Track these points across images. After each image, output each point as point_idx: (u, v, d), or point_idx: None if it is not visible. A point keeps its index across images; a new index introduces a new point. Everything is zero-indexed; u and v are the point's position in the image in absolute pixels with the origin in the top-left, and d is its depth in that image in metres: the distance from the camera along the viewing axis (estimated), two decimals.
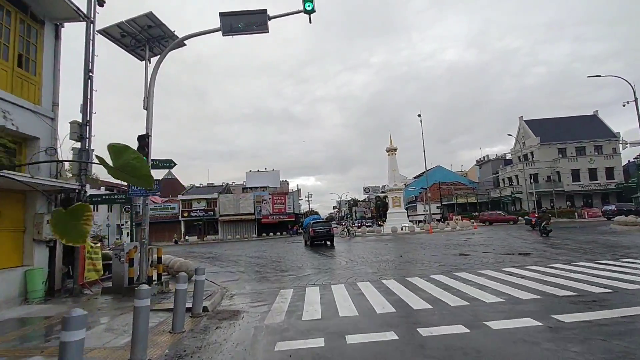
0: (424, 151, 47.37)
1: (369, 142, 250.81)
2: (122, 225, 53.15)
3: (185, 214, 51.86)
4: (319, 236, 24.67)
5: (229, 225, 53.00)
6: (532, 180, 53.06)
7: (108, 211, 56.51)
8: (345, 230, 33.40)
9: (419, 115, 49.98)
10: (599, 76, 25.53)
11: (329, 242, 24.91)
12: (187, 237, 50.26)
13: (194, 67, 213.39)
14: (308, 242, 25.41)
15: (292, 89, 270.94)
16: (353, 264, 13.27)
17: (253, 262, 16.83)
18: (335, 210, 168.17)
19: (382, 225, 41.68)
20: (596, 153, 53.58)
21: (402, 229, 31.98)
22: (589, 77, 25.60)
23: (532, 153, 56.11)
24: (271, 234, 52.50)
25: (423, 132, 44.13)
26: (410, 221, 37.44)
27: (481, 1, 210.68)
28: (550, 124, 57.33)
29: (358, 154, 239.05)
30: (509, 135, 59.55)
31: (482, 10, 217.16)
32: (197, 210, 52.05)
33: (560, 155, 53.89)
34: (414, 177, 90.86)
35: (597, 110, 58.89)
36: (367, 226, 44.51)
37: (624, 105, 26.24)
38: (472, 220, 38.98)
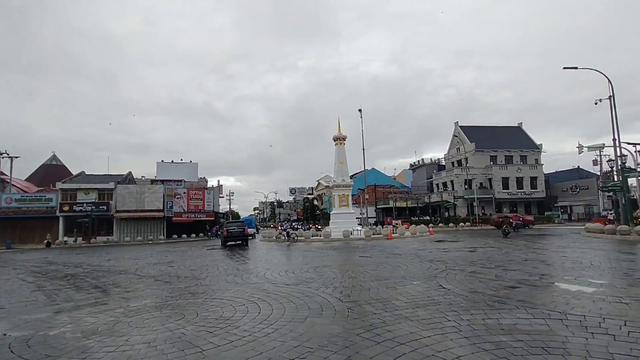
0: (364, 148, 43.03)
1: (293, 145, 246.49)
2: None
3: (66, 208, 39.76)
4: (233, 236, 25.76)
5: (128, 223, 42.21)
6: (466, 186, 52.50)
7: None
8: (283, 234, 26.65)
9: (360, 110, 45.85)
10: (576, 68, 23.17)
11: (243, 242, 25.79)
12: (65, 239, 38.35)
13: (101, 46, 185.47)
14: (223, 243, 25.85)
15: (216, 84, 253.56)
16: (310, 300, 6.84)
17: (146, 291, 9.35)
18: (257, 212, 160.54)
19: (320, 229, 35.96)
20: (522, 162, 55.30)
21: (355, 233, 26.44)
22: (565, 68, 23.09)
23: (466, 159, 55.86)
24: (184, 235, 43.14)
25: (363, 129, 39.50)
26: (359, 224, 32.19)
27: (404, 22, 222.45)
28: (483, 132, 57.96)
29: (281, 156, 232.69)
30: (415, 151, 58.84)
31: (405, 30, 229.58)
32: (83, 203, 40.29)
33: (492, 163, 54.41)
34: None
35: (521, 123, 61.55)
36: (304, 230, 38.30)
37: (595, 103, 24.32)
38: (430, 225, 35.38)
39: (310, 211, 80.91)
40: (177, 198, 44.37)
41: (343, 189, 30.64)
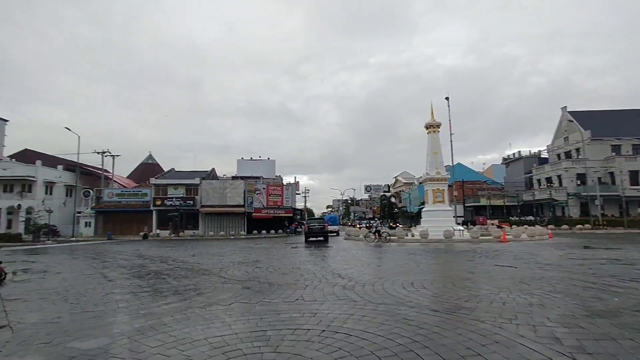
0: (451, 140, 38.33)
1: (364, 143, 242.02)
2: (79, 213, 42.88)
3: (159, 202, 41.83)
4: (314, 232, 27.45)
5: (212, 218, 43.13)
6: (578, 182, 44.22)
7: (67, 195, 46.24)
8: (373, 232, 23.78)
9: (447, 98, 41.10)
10: None
11: (322, 238, 27.38)
12: (158, 232, 40.25)
13: (188, 55, 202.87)
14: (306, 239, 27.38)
15: (289, 85, 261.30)
16: None
17: (241, 294, 7.22)
18: (330, 209, 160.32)
19: (397, 227, 32.39)
20: None
21: (457, 234, 22.55)
22: None
23: (577, 150, 47.16)
24: (264, 231, 42.77)
25: (450, 119, 34.98)
26: (458, 223, 28.00)
27: (482, 8, 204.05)
28: (600, 117, 48.52)
29: (352, 154, 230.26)
30: (510, 143, 50.65)
31: (483, 16, 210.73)
32: (173, 198, 42.05)
33: (614, 153, 45.07)
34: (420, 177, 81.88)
35: None
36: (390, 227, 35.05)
37: None
38: (548, 227, 29.81)
39: (388, 209, 76.82)
40: (257, 194, 44.15)
41: (438, 183, 26.71)
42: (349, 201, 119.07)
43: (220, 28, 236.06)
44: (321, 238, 27.48)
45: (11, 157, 47.36)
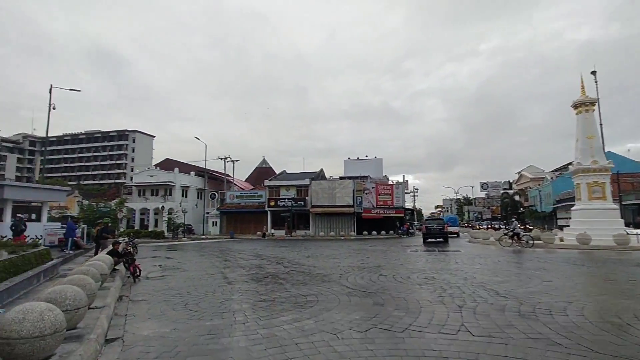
0: (601, 124, 30.59)
1: (475, 138, 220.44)
2: (208, 214, 47.77)
3: (272, 203, 43.79)
4: (432, 233, 26.12)
5: (322, 218, 43.32)
6: None
7: (198, 197, 52.22)
8: (510, 235, 19.92)
9: (594, 73, 33.35)
10: None
11: (441, 239, 25.96)
12: (273, 231, 42.08)
13: (294, 65, 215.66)
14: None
15: (392, 83, 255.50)
16: None
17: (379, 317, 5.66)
18: (440, 210, 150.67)
19: (530, 229, 26.74)
20: None
21: (636, 239, 17.28)
22: None
23: None
24: (374, 232, 41.12)
25: (599, 97, 27.76)
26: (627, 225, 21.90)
27: None
28: None
29: (462, 151, 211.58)
30: None
31: None
32: (285, 199, 43.54)
33: None
34: (554, 171, 69.53)
35: None
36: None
37: None
38: None
39: (511, 208, 67.40)
40: (366, 193, 42.76)
41: (595, 175, 21.12)
42: (462, 200, 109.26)
43: (322, 35, 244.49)
44: (440, 239, 26.10)
45: (156, 166, 55.50)
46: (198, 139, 43.73)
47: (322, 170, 52.76)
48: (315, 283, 8.95)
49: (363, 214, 42.13)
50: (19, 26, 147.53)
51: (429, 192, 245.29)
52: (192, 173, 52.89)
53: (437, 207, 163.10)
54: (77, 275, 5.82)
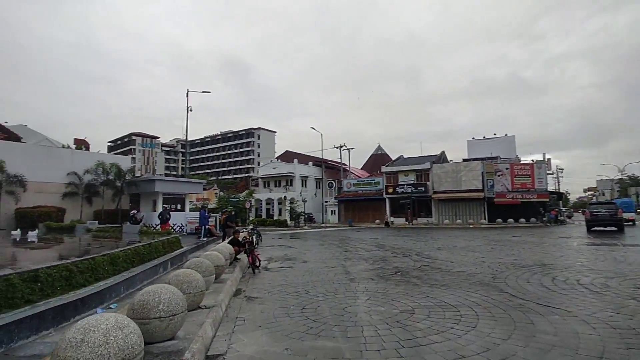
0: None
1: (637, 104, 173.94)
2: (326, 202, 48.49)
3: (390, 190, 41.68)
4: (599, 220, 21.91)
5: (445, 205, 39.36)
6: None
7: (316, 187, 53.64)
8: None
9: None
10: None
11: (614, 228, 21.52)
12: (392, 219, 40.06)
13: (405, 47, 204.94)
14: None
15: (520, 51, 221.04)
16: None
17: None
18: (590, 194, 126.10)
19: None
20: None
21: None
22: None
23: None
24: (510, 219, 35.37)
25: None
26: None
27: None
28: None
29: (619, 122, 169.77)
30: None
31: None
32: (404, 185, 40.94)
33: None
34: None
35: None
36: None
37: None
38: None
39: None
40: (499, 175, 37.04)
41: None
42: (629, 180, 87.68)
43: (434, 9, 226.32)
44: (613, 228, 21.75)
45: (278, 158, 58.96)
46: (314, 129, 44.53)
47: (443, 152, 48.15)
48: (462, 286, 6.86)
49: (495, 199, 36.65)
50: (169, 50, 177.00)
51: (573, 174, 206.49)
52: (310, 163, 54.48)
53: (588, 190, 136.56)
54: (184, 270, 5.12)
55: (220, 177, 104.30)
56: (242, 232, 14.50)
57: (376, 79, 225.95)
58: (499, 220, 35.75)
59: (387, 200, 42.21)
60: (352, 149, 52.41)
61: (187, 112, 27.64)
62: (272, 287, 7.29)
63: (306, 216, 41.11)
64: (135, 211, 14.31)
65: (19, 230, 13.77)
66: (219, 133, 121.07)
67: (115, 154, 21.82)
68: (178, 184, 22.80)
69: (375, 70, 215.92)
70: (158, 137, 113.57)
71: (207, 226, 16.26)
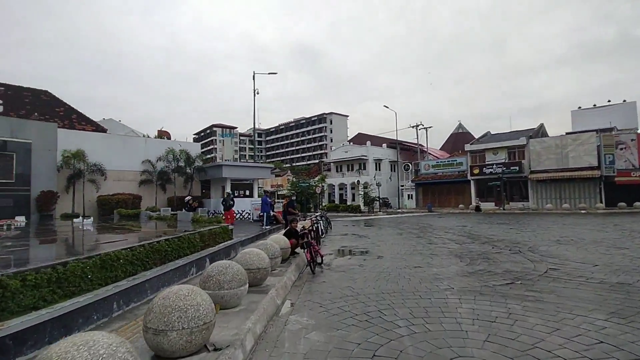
0: None
1: None
2: (402, 186, 45.11)
3: (476, 171, 36.79)
4: None
5: (546, 186, 33.41)
6: None
7: (391, 170, 50.43)
8: None
9: None
10: None
11: None
12: (479, 203, 35.40)
13: (489, 13, 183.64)
14: None
15: (632, 5, 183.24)
16: None
17: None
18: None
19: None
20: None
21: None
22: None
23: None
24: (637, 202, 28.49)
25: None
26: None
27: None
28: None
29: None
30: None
31: None
32: (492, 165, 35.76)
33: None
34: None
35: None
36: None
37: None
38: None
39: None
40: (622, 149, 30.04)
41: None
42: None
43: None
44: None
45: (350, 141, 56.75)
46: (387, 107, 41.18)
47: (542, 125, 41.16)
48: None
49: (616, 179, 29.86)
50: (245, 44, 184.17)
51: None
52: (384, 145, 51.28)
53: None
54: (184, 287, 3.27)
55: (293, 164, 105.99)
56: (308, 219, 12.78)
57: (454, 53, 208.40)
58: (622, 204, 29.06)
59: (472, 182, 37.43)
60: (429, 127, 47.97)
61: (254, 95, 26.83)
62: (332, 300, 5.23)
63: (381, 201, 38.50)
64: (189, 197, 13.47)
65: (81, 218, 13.90)
66: (292, 120, 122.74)
67: (199, 143, 22.07)
68: (245, 169, 22.07)
69: (453, 44, 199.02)
70: (236, 127, 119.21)
71: (272, 213, 14.90)
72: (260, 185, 26.16)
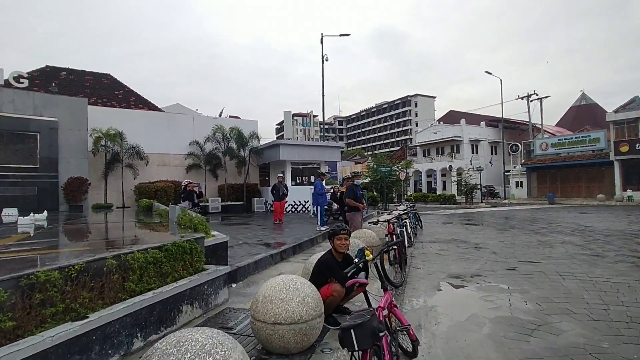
0: None
1: None
2: (508, 172, 36.43)
3: (624, 149, 26.91)
4: None
5: None
6: None
7: (491, 153, 41.77)
8: None
9: None
10: None
11: None
12: (629, 193, 25.79)
13: None
14: None
15: None
16: None
17: None
18: None
19: None
20: None
21: None
22: None
23: None
24: None
25: None
26: None
27: None
28: None
29: None
30: None
31: None
32: None
33: None
34: None
35: None
36: None
37: None
38: None
39: None
40: None
41: None
42: None
43: None
44: None
45: (439, 120, 49.11)
46: (490, 73, 33.01)
47: None
48: None
49: None
50: (325, 34, 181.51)
51: None
52: (482, 124, 42.71)
53: None
54: None
55: (375, 152, 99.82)
56: (389, 211, 7.83)
57: (561, 21, 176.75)
58: None
59: (616, 164, 27.66)
60: (546, 97, 37.91)
61: (322, 61, 22.17)
62: None
63: (486, 190, 31.32)
64: (188, 181, 9.34)
65: (8, 210, 9.67)
66: (374, 105, 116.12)
67: (256, 120, 18.83)
68: (308, 149, 17.67)
69: (559, 8, 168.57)
70: (317, 116, 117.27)
71: (324, 205, 10.08)
72: (329, 170, 21.54)
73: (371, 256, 2.95)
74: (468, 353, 3.12)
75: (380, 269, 2.98)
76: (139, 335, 2.85)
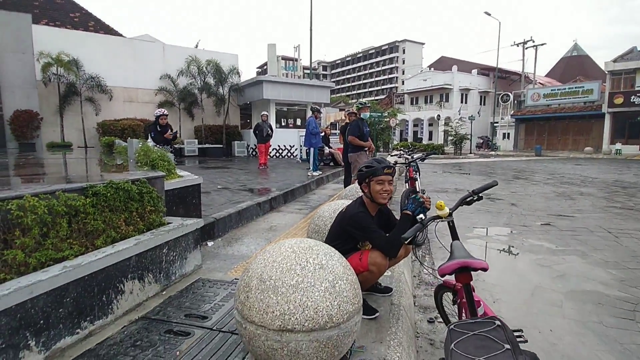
0: None
1: None
2: (496, 123, 35.57)
3: (618, 101, 26.20)
4: None
5: None
6: None
7: (480, 103, 40.62)
8: None
9: None
10: None
11: None
12: (618, 146, 25.58)
13: None
14: None
15: None
16: None
17: None
18: None
19: None
20: None
21: None
22: None
23: None
24: None
25: None
26: None
27: None
28: None
29: None
30: None
31: None
32: None
33: None
34: None
35: None
36: None
37: None
38: None
39: None
40: None
41: None
42: None
43: None
44: None
45: (430, 67, 46.98)
46: (489, 14, 30.72)
47: None
48: None
49: None
50: None
51: None
52: (474, 71, 40.99)
53: None
54: None
55: (360, 99, 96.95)
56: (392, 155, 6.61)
57: None
58: None
59: (607, 116, 27.11)
60: (542, 45, 36.22)
61: None
62: None
63: (482, 141, 31.00)
64: (161, 111, 7.65)
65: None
66: (360, 51, 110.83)
67: (236, 54, 16.49)
68: (294, 88, 15.86)
69: None
70: (301, 60, 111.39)
71: (317, 148, 8.72)
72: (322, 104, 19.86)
73: (446, 209, 1.71)
74: (566, 353, 2.07)
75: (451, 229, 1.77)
76: (33, 342, 1.60)
